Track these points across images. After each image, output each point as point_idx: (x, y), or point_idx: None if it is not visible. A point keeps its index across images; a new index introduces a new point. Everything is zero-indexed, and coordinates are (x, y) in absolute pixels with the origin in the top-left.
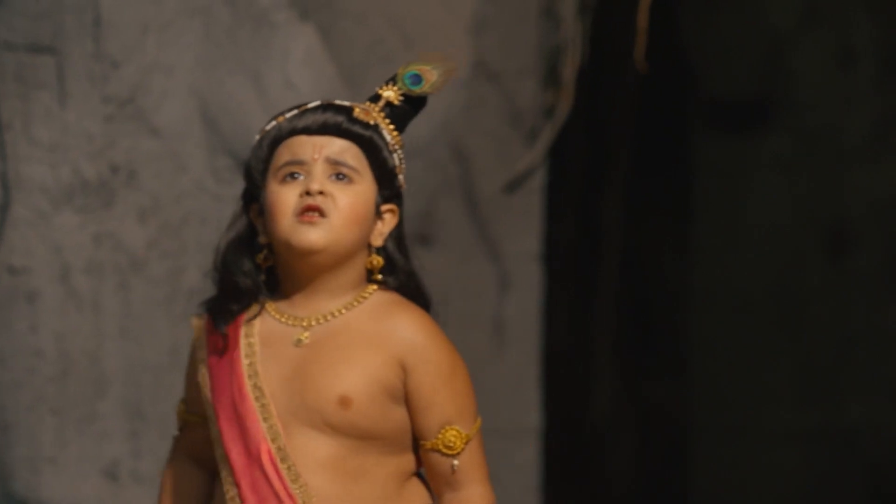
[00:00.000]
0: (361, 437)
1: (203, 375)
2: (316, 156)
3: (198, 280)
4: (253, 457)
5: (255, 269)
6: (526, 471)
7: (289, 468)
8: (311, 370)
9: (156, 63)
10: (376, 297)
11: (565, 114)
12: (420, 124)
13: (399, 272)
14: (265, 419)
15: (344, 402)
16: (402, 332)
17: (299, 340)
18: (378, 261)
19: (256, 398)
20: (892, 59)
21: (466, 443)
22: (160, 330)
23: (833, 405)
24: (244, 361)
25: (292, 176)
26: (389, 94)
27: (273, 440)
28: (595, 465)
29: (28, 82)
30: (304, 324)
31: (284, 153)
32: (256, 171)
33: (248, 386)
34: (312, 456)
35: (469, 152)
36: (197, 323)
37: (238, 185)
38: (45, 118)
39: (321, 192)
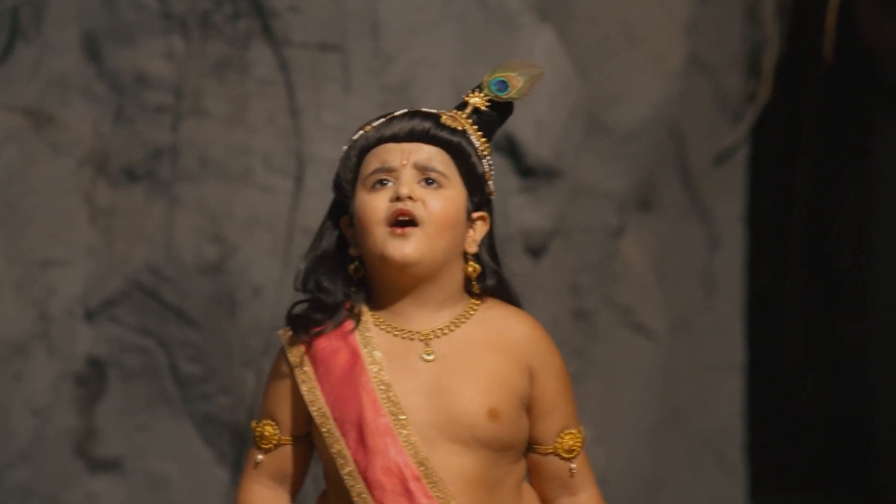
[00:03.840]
0: (501, 448)
1: (311, 390)
2: (404, 162)
3: None
4: (393, 473)
5: (345, 282)
6: (733, 400)
7: (434, 484)
8: (452, 385)
9: (423, 59)
10: (485, 305)
11: (765, 99)
12: (641, 108)
13: (493, 279)
14: (402, 435)
15: (493, 414)
16: (526, 339)
17: (426, 354)
18: (475, 268)
19: (391, 412)
20: None
21: (582, 445)
22: None
23: None
24: (372, 374)
25: (381, 183)
26: (476, 100)
27: (414, 456)
28: (792, 395)
29: (318, 75)
30: (422, 337)
31: (373, 161)
32: (346, 182)
33: (380, 399)
34: (458, 472)
35: (683, 131)
36: (289, 335)
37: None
38: (333, 105)
39: (411, 198)
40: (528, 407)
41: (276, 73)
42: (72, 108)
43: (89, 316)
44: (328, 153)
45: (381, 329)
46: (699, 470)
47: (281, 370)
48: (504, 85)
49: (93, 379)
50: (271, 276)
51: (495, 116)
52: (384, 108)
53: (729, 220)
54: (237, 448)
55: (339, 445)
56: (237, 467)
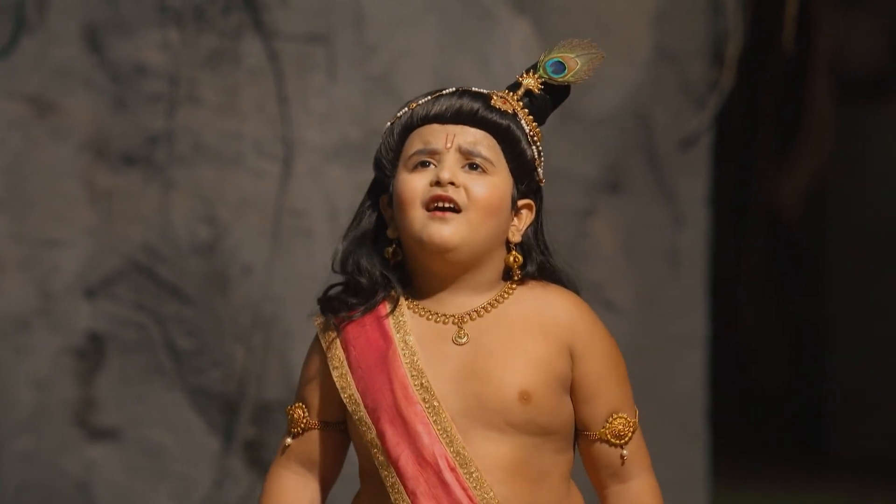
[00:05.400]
0: (539, 433)
1: (343, 376)
2: (448, 145)
3: None
4: (427, 463)
5: (383, 264)
6: (696, 371)
7: (471, 474)
8: (484, 367)
9: (404, 49)
10: (525, 286)
11: (728, 88)
12: (610, 96)
13: (534, 267)
14: (436, 422)
15: (524, 397)
16: (566, 318)
17: (458, 338)
18: (518, 258)
19: (424, 399)
20: None
21: (634, 431)
22: None
23: None
24: (404, 360)
25: (423, 164)
26: (529, 82)
27: (449, 444)
28: (751, 366)
29: (305, 65)
30: (455, 321)
31: (416, 141)
32: (386, 160)
33: (412, 386)
34: (494, 460)
35: (650, 118)
36: (322, 321)
37: None
38: (319, 93)
39: (452, 183)
40: (571, 390)
41: (266, 64)
42: (73, 96)
43: (89, 293)
44: (315, 139)
45: (415, 313)
46: (663, 437)
47: (314, 354)
48: (561, 66)
49: (92, 353)
50: (260, 256)
51: (549, 100)
52: (368, 96)
53: (693, 202)
54: (227, 418)
55: (371, 434)
56: (227, 436)
